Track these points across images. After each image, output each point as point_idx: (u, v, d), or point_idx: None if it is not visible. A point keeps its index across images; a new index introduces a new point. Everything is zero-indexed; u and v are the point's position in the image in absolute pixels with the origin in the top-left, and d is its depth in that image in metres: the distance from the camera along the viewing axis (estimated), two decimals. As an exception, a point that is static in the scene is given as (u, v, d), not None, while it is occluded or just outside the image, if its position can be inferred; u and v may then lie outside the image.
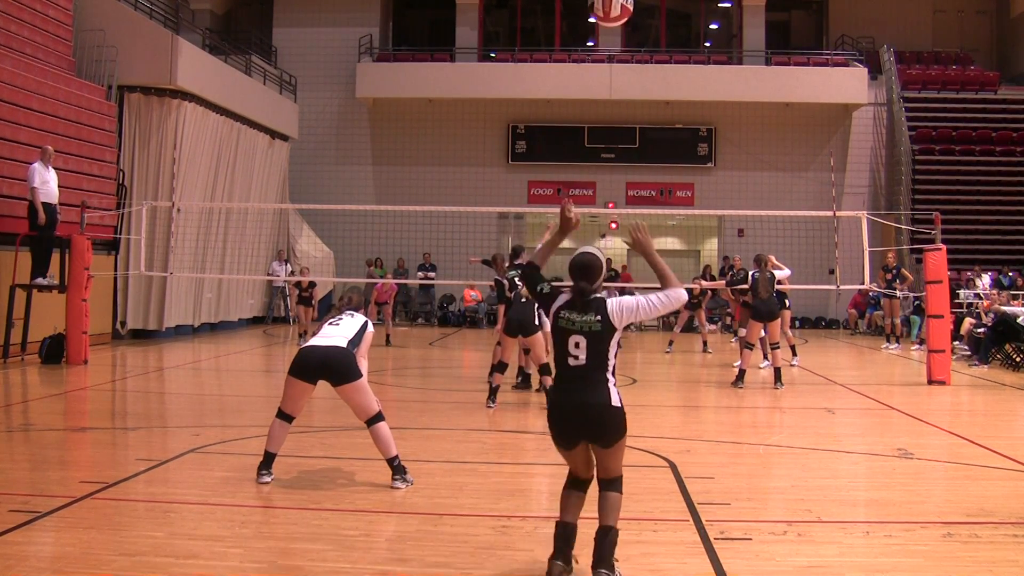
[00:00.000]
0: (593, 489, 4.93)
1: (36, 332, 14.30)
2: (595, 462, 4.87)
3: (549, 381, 10.36)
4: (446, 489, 6.58)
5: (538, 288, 4.97)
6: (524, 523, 5.72)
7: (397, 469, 6.55)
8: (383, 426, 6.59)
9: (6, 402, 10.71)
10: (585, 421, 4.67)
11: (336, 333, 6.72)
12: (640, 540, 5.41)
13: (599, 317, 4.70)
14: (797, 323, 24.40)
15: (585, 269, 4.81)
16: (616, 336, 4.75)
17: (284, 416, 6.71)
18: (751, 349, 13.05)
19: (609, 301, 4.80)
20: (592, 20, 28.38)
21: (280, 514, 5.89)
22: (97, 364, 14.19)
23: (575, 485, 4.94)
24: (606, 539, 4.67)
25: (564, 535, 4.78)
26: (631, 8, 5.35)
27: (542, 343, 10.63)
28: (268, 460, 6.67)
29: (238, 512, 5.93)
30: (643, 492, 6.57)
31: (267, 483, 6.56)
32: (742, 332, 14.54)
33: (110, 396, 11.72)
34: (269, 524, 5.71)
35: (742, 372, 12.69)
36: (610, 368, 4.75)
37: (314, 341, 6.76)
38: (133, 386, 12.67)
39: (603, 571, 4.59)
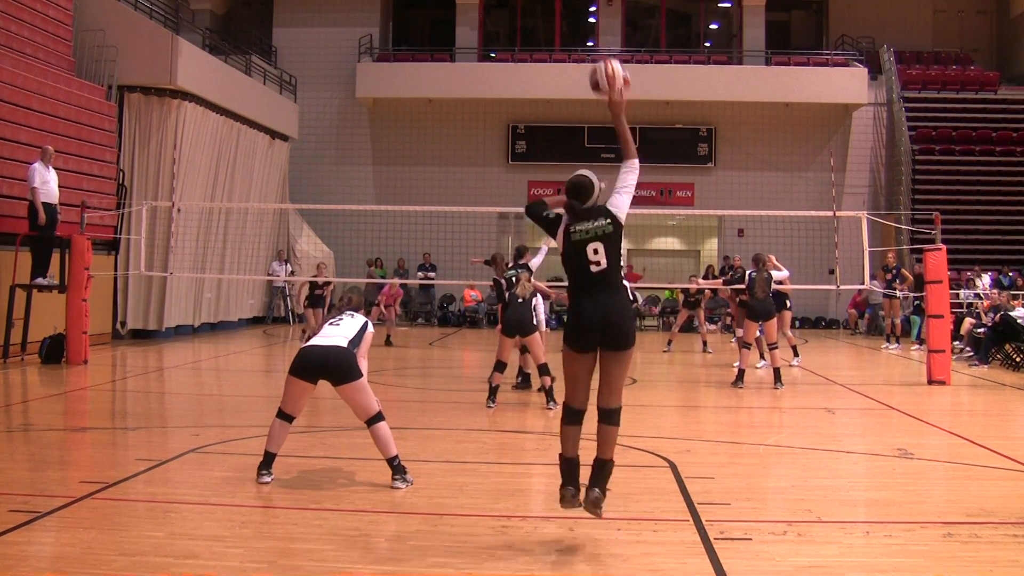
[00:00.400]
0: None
1: (36, 332, 14.30)
2: (600, 384, 5.33)
3: (548, 381, 10.37)
4: (446, 489, 6.58)
5: (544, 214, 5.40)
6: (524, 523, 5.72)
7: (397, 469, 6.55)
8: (383, 426, 6.60)
9: (6, 402, 10.70)
10: (608, 325, 5.16)
11: (336, 333, 6.72)
12: (640, 540, 5.41)
13: (608, 220, 5.27)
14: (797, 323, 24.39)
15: (577, 188, 5.38)
16: (622, 232, 5.34)
17: (284, 416, 6.71)
18: (749, 348, 13.05)
19: (609, 205, 5.36)
20: (592, 20, 28.46)
21: (280, 514, 5.89)
22: (97, 364, 14.19)
23: (572, 419, 5.37)
24: (603, 469, 5.28)
25: (570, 466, 5.32)
26: (630, 79, 5.69)
27: (540, 343, 10.68)
28: (268, 460, 6.67)
29: (238, 512, 5.93)
30: (643, 492, 6.58)
31: (267, 483, 6.56)
32: (739, 332, 14.52)
33: (110, 396, 11.72)
34: (269, 524, 5.71)
35: (741, 372, 12.70)
36: (623, 269, 5.23)
37: (314, 341, 6.76)
38: (133, 386, 12.67)
39: (596, 490, 5.18)
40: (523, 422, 9.82)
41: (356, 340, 6.71)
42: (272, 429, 6.72)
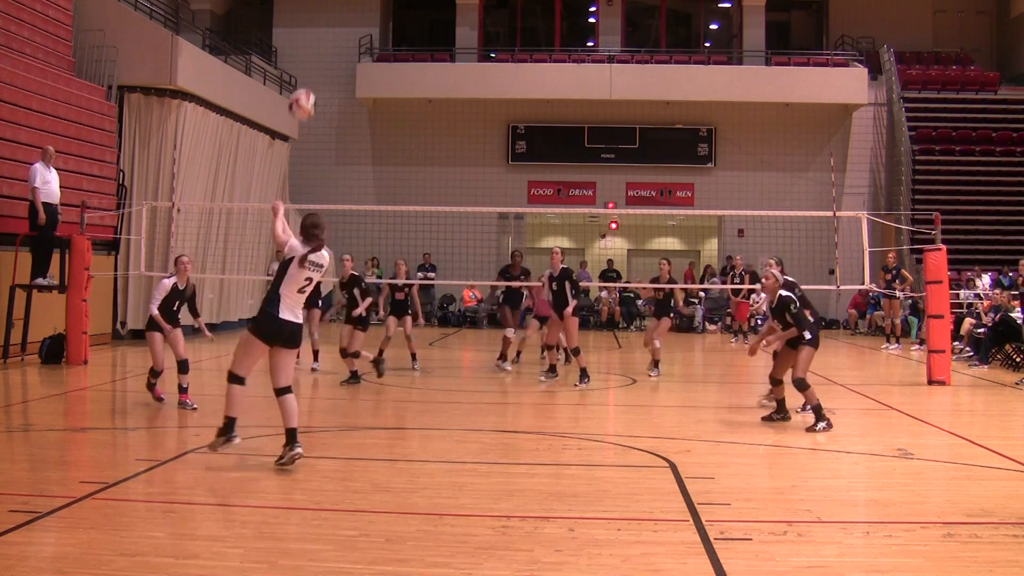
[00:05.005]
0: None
1: (36, 332, 14.29)
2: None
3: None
4: (446, 489, 6.58)
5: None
6: (524, 523, 5.72)
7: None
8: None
9: (6, 402, 10.71)
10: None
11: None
12: (640, 540, 5.41)
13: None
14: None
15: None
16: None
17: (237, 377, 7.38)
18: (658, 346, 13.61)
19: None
20: (592, 20, 28.44)
21: (280, 514, 5.89)
22: (97, 364, 14.19)
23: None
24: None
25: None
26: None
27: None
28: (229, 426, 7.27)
29: (238, 512, 5.93)
30: (643, 492, 6.58)
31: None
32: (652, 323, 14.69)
33: (110, 396, 11.72)
34: (269, 524, 5.71)
35: (655, 362, 13.46)
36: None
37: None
38: (133, 386, 12.65)
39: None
40: (523, 422, 9.82)
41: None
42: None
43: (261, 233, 22.76)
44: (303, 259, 7.13)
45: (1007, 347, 15.28)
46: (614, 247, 28.00)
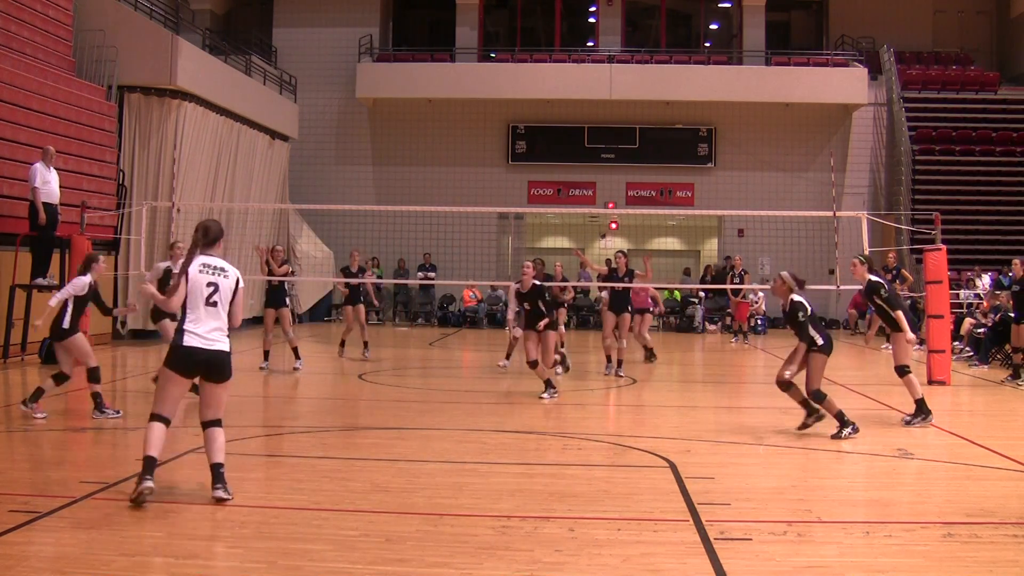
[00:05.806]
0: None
1: (36, 332, 14.28)
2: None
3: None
4: (446, 489, 6.58)
5: None
6: (524, 523, 5.72)
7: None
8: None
9: (6, 402, 10.71)
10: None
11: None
12: (640, 540, 5.41)
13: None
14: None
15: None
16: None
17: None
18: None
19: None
20: (592, 20, 28.43)
21: (280, 514, 5.89)
22: (97, 364, 14.17)
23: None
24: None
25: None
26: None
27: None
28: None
29: (238, 512, 5.93)
30: (643, 492, 6.58)
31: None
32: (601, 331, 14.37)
33: (110, 396, 11.67)
34: (269, 524, 5.71)
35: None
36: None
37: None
38: (133, 386, 12.65)
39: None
40: (523, 422, 9.81)
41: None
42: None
43: (261, 233, 22.79)
44: (192, 265, 6.33)
45: (1007, 347, 15.27)
46: (614, 247, 28.00)
